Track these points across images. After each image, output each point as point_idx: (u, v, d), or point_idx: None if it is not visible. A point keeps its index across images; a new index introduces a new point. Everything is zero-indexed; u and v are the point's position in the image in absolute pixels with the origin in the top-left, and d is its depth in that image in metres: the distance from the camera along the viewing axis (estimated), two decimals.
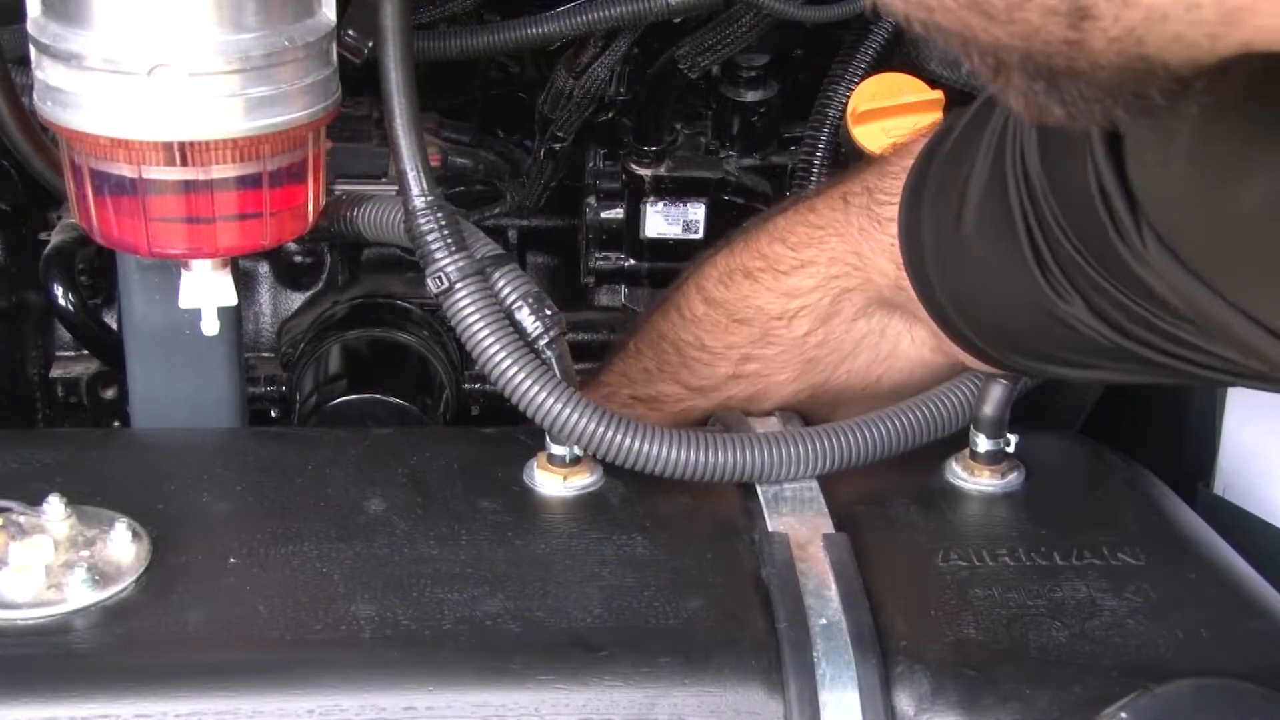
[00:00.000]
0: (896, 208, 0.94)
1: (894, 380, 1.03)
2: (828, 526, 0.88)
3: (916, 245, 0.93)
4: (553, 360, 0.90)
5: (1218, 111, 0.61)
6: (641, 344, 1.11)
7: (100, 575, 0.80)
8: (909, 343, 1.01)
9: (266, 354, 1.38)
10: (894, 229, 0.94)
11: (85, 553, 0.81)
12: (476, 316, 0.90)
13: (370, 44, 1.07)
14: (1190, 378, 0.83)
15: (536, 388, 0.89)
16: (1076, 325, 0.84)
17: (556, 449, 0.91)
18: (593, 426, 0.88)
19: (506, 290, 0.91)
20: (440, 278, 0.90)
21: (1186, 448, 1.14)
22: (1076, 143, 0.78)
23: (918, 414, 0.94)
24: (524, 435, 0.94)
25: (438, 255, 0.90)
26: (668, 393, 1.08)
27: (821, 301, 1.00)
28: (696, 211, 1.38)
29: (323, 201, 0.95)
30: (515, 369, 0.89)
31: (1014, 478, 0.94)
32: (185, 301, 0.92)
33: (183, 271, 0.92)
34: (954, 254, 0.91)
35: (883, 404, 0.96)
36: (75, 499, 0.84)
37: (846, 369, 1.03)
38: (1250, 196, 0.69)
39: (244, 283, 1.34)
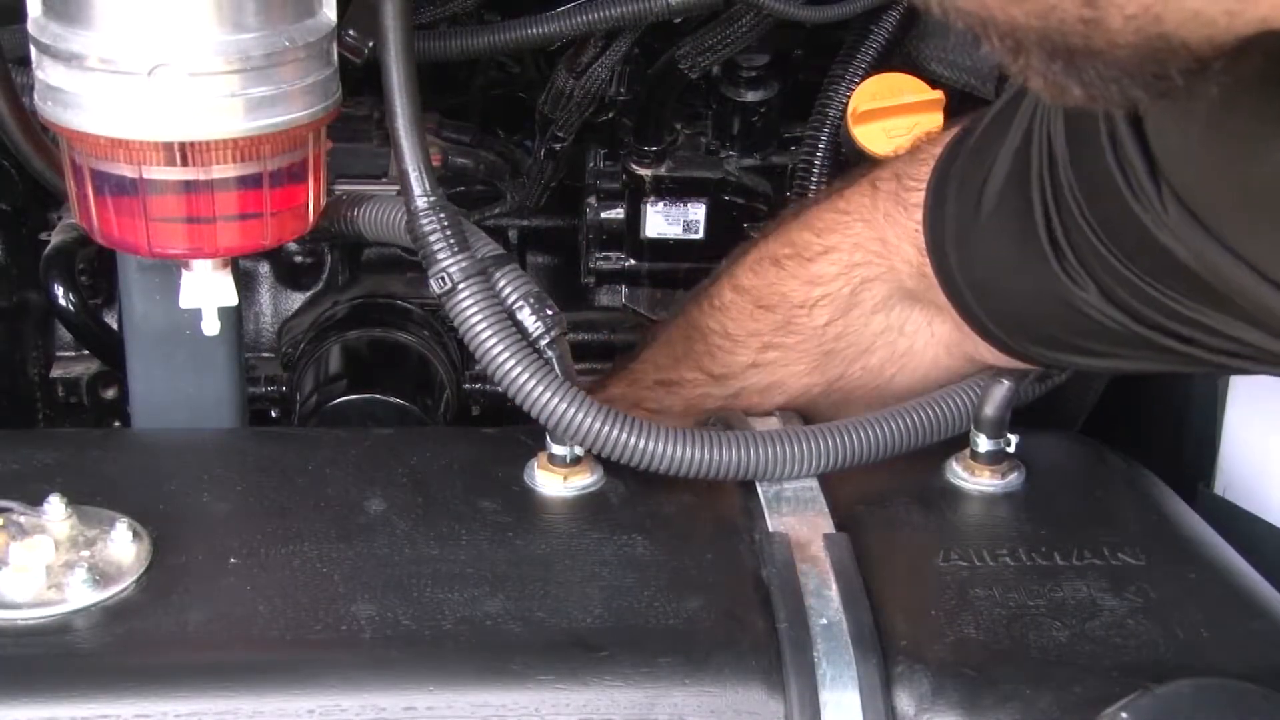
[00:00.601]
0: (923, 194, 0.95)
1: (907, 380, 1.03)
2: (828, 526, 0.88)
3: (940, 231, 0.93)
4: (554, 360, 0.90)
5: (1237, 88, 0.61)
6: (673, 333, 1.12)
7: (100, 575, 0.80)
8: (926, 341, 1.02)
9: (267, 354, 1.38)
10: (920, 215, 0.95)
11: (86, 553, 0.81)
12: (479, 317, 0.90)
13: (371, 44, 1.07)
14: (1206, 365, 0.83)
15: (540, 387, 0.89)
16: (1091, 312, 0.84)
17: (557, 449, 0.91)
18: (594, 424, 0.88)
19: (508, 290, 0.91)
20: (443, 278, 0.90)
21: (1186, 448, 1.14)
22: (1100, 116, 0.78)
23: (920, 415, 0.94)
24: (524, 435, 0.94)
25: (440, 256, 0.90)
26: (688, 378, 1.09)
27: (843, 290, 1.01)
28: (697, 211, 1.38)
29: (323, 201, 0.95)
30: (518, 368, 0.89)
31: (1014, 478, 0.94)
32: (185, 301, 0.92)
33: (183, 271, 0.92)
34: (974, 241, 0.91)
35: (890, 405, 0.96)
36: (76, 499, 0.84)
37: (861, 365, 1.04)
38: (1271, 162, 0.69)
39: (244, 283, 1.34)
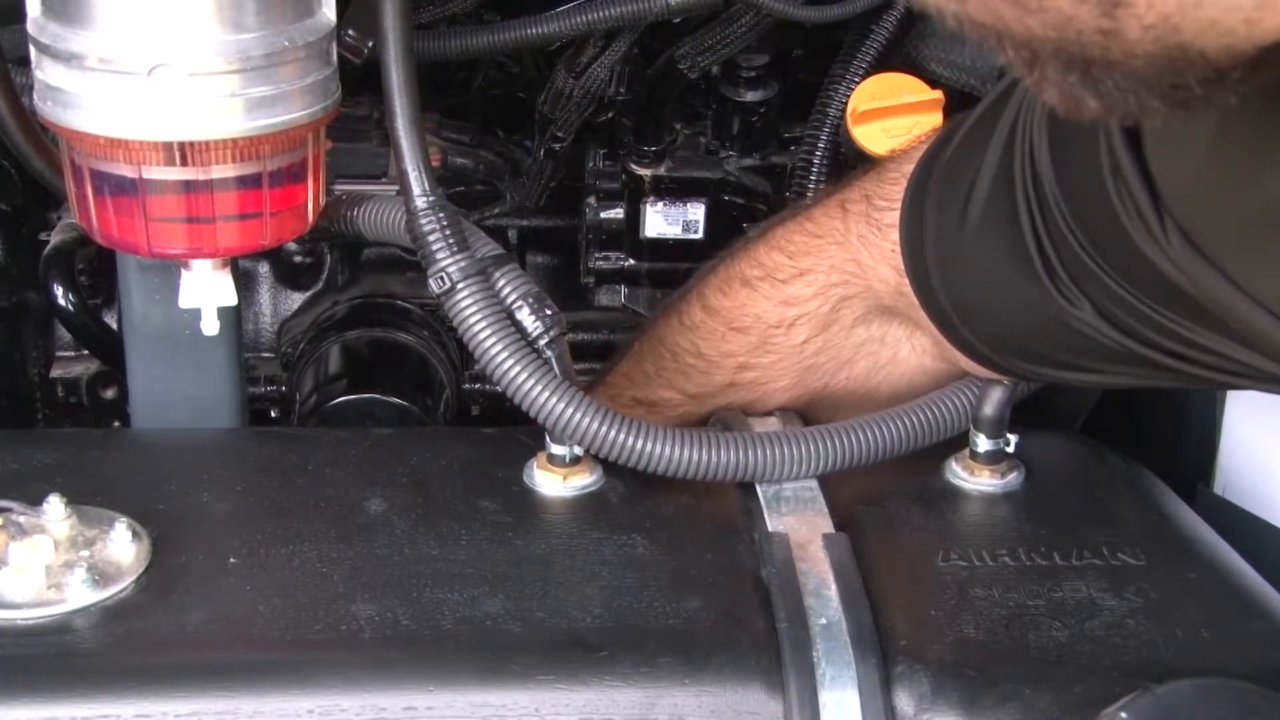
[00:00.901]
0: (897, 214, 0.94)
1: (893, 387, 1.03)
2: (828, 526, 0.88)
3: (919, 251, 0.93)
4: (553, 360, 0.90)
5: (1253, 99, 0.61)
6: (644, 347, 1.11)
7: (100, 575, 0.80)
8: (908, 350, 1.01)
9: (266, 354, 1.38)
10: (895, 235, 0.94)
11: (85, 553, 0.81)
12: (478, 316, 0.90)
13: (370, 44, 1.07)
14: (1197, 381, 0.83)
15: (539, 387, 0.89)
16: (1084, 329, 0.84)
17: (556, 449, 0.91)
18: (594, 425, 0.88)
19: (507, 290, 0.91)
20: (442, 278, 0.90)
21: (1186, 448, 1.14)
22: (1091, 140, 0.78)
23: (919, 416, 0.94)
24: (524, 435, 0.94)
25: (439, 255, 0.90)
26: (666, 398, 1.08)
27: (820, 309, 1.00)
28: (696, 211, 1.38)
29: (323, 201, 0.95)
30: (517, 368, 0.89)
31: (1014, 478, 0.94)
32: (185, 301, 0.92)
33: (183, 271, 0.92)
34: (957, 259, 0.91)
35: (882, 409, 0.96)
36: (75, 499, 0.84)
37: (845, 376, 1.03)
38: (1276, 186, 0.68)
39: (244, 283, 1.34)
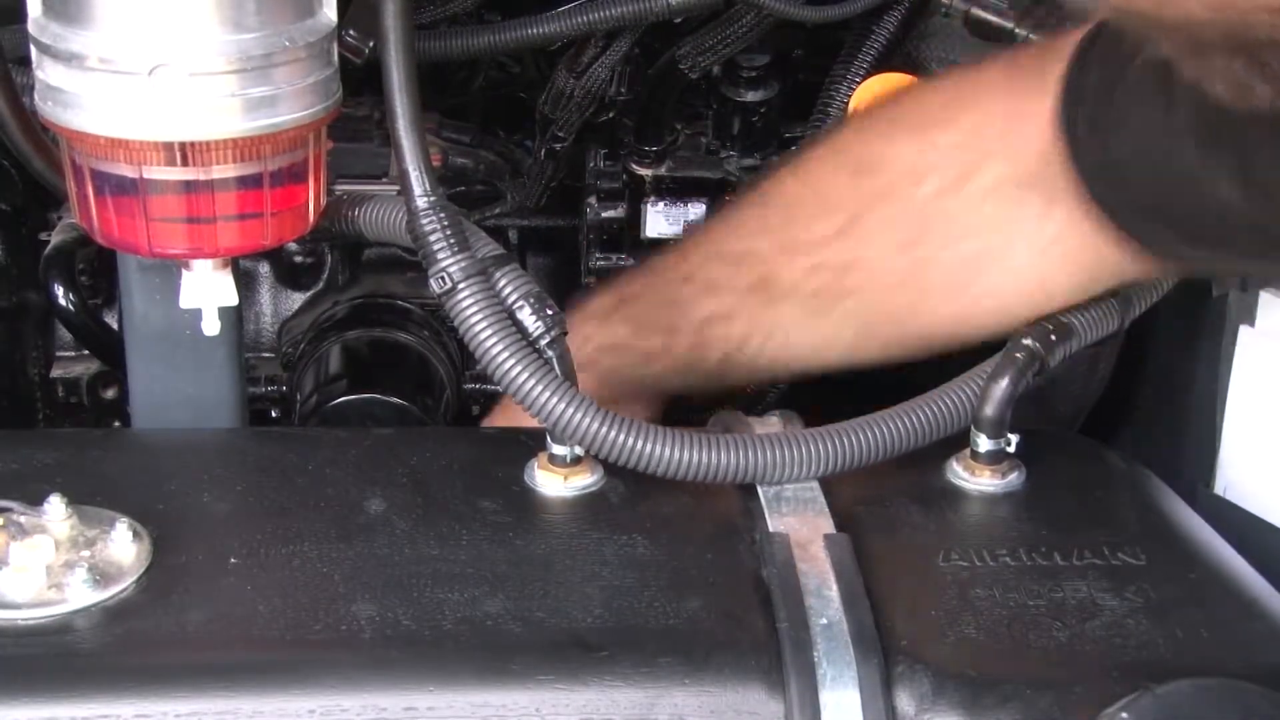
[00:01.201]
0: (1064, 66, 0.91)
1: (986, 287, 0.98)
2: (829, 527, 0.88)
3: (1075, 111, 0.89)
4: (554, 360, 0.90)
5: None
6: (738, 208, 1.07)
7: (101, 575, 0.80)
8: (1024, 246, 0.96)
9: (267, 354, 1.38)
10: (1058, 88, 0.91)
11: (86, 553, 0.81)
12: (479, 317, 0.90)
13: (371, 44, 1.07)
14: None
15: (540, 387, 0.89)
16: (1236, 202, 0.79)
17: (557, 449, 0.91)
18: (594, 426, 0.88)
19: (508, 290, 0.91)
20: (443, 278, 0.90)
21: (1186, 448, 1.14)
22: None
23: (920, 415, 0.94)
24: (525, 435, 0.94)
25: (440, 256, 0.90)
26: (758, 248, 1.04)
27: (960, 160, 0.96)
28: (697, 211, 1.39)
29: (323, 201, 0.95)
30: (518, 368, 0.89)
31: (1014, 478, 0.94)
32: (186, 301, 0.92)
33: (183, 271, 0.92)
34: (1113, 120, 0.88)
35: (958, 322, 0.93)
36: (76, 499, 0.84)
37: (954, 250, 0.98)
38: None
39: (244, 283, 1.34)
